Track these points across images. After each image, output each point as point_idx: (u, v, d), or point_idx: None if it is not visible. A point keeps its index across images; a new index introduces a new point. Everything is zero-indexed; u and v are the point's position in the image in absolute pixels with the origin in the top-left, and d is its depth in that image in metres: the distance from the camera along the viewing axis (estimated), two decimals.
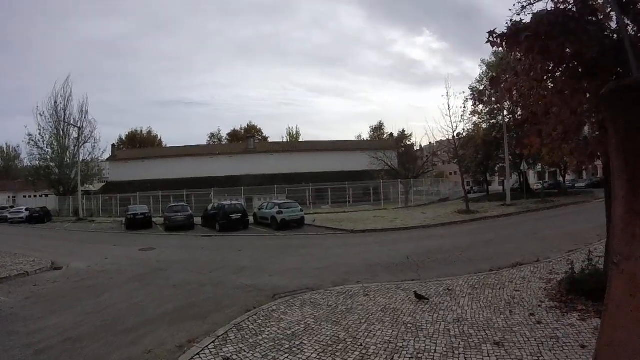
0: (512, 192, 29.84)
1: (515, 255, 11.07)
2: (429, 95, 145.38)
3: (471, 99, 37.05)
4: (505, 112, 34.07)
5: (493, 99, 31.66)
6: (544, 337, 5.45)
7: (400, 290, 8.14)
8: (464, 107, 30.22)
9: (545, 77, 7.15)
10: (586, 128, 7.78)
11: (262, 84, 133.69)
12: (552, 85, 7.24)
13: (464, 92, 53.18)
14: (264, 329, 6.29)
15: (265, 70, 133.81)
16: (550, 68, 6.63)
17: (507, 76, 7.75)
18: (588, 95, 6.62)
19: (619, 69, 6.36)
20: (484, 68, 37.71)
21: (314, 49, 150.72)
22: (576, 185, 47.93)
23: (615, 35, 6.43)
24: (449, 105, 25.72)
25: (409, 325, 6.18)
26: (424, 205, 34.28)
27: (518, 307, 6.76)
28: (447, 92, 26.75)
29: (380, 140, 60.92)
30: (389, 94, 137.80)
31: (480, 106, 37.22)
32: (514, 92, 7.73)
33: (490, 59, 36.88)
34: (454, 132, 25.64)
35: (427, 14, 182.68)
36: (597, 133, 7.08)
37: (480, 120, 37.79)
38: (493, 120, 37.08)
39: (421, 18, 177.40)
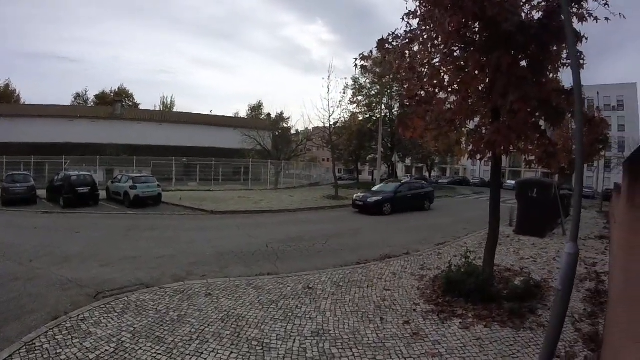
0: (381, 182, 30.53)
1: (383, 247, 10.36)
2: (312, 83, 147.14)
3: (352, 89, 37.71)
4: (383, 107, 35.16)
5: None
6: (424, 355, 4.32)
7: (252, 289, 6.48)
8: (344, 93, 29.92)
9: (445, 48, 6.05)
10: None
11: (145, 48, 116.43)
12: (451, 60, 6.15)
13: (345, 78, 54.69)
14: (61, 350, 4.18)
15: (149, 34, 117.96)
16: (463, 26, 5.42)
17: (401, 40, 6.48)
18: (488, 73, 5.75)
19: (531, 49, 5.51)
20: (370, 61, 37.99)
21: (205, 20, 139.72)
22: (439, 181, 53.03)
23: None
24: (328, 88, 24.67)
25: (253, 342, 4.51)
26: (294, 188, 33.47)
27: (390, 312, 5.62)
28: (329, 76, 25.83)
29: (257, 120, 58.26)
30: (273, 76, 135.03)
31: (360, 97, 38.07)
32: (406, 61, 6.54)
33: (377, 55, 37.37)
34: (330, 116, 24.81)
35: (322, 4, 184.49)
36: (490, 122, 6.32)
37: (358, 111, 38.52)
38: (370, 113, 38.00)
39: (316, 8, 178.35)
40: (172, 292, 6.20)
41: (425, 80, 6.40)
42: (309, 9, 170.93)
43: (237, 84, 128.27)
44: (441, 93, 6.64)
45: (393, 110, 36.61)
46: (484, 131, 6.15)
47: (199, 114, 48.70)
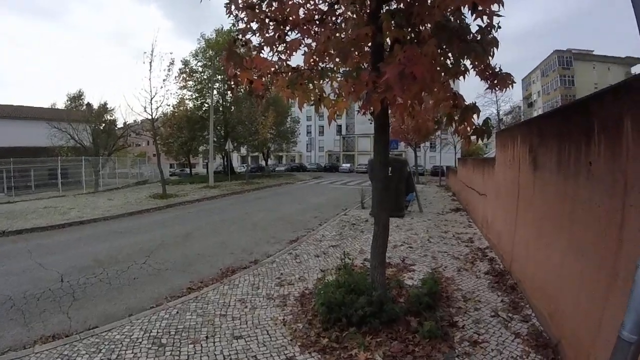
0: (216, 175, 27.56)
1: (224, 255, 7.81)
2: (141, 71, 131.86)
3: (182, 72, 33.54)
4: (216, 92, 32.02)
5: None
6: None
7: None
8: (169, 71, 25.73)
9: None
10: None
11: None
12: None
13: (171, 53, 49.80)
14: None
15: None
16: None
17: None
18: None
19: None
20: (203, 43, 34.35)
21: None
22: (277, 169, 53.45)
23: None
24: (151, 64, 20.42)
25: None
26: (117, 189, 27.62)
27: None
28: (152, 51, 21.62)
29: (76, 112, 47.77)
30: (98, 61, 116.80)
31: (190, 82, 34.13)
32: None
33: (211, 35, 34.07)
34: (152, 98, 20.48)
35: None
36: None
37: (188, 97, 34.60)
38: (202, 99, 34.42)
39: None
40: None
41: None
42: None
43: (60, 72, 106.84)
44: (293, 32, 4.29)
45: (226, 97, 33.84)
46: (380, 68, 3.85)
47: (3, 105, 36.96)
